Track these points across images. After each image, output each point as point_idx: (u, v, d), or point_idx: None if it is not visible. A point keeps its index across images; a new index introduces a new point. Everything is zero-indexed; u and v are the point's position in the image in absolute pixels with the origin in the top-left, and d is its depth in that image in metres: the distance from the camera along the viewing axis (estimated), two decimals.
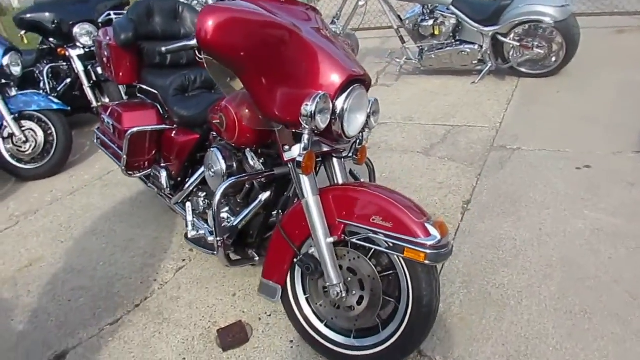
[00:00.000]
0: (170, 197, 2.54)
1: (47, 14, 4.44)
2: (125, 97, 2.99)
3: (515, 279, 2.10)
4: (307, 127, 1.52)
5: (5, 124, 3.76)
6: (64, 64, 4.72)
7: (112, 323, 2.20)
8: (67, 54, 4.54)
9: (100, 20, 4.20)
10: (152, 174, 2.62)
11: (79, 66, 4.50)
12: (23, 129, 3.83)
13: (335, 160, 1.83)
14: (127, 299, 2.35)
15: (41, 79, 4.68)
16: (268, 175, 1.89)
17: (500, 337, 1.84)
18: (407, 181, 3.03)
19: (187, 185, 2.40)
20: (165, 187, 2.49)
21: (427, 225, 1.53)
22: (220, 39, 1.41)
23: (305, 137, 1.56)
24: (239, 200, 2.11)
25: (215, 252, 1.90)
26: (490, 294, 2.04)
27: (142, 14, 2.62)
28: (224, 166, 1.99)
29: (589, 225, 2.39)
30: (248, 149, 1.98)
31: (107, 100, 4.54)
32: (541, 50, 4.34)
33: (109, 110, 2.67)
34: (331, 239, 1.64)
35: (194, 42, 1.50)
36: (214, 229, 1.84)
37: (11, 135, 3.80)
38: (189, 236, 2.00)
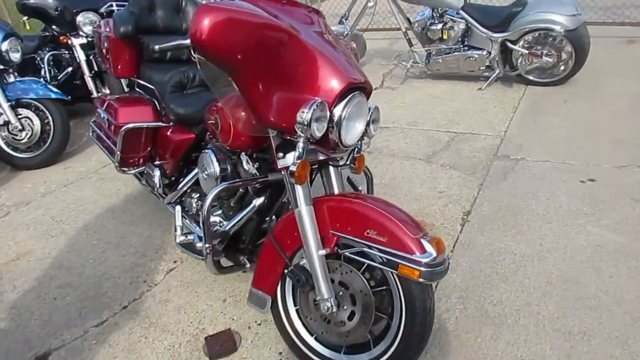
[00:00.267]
0: (164, 196, 2.48)
1: (50, 1, 4.37)
2: (126, 90, 2.93)
3: (514, 296, 2.04)
4: (302, 135, 1.46)
5: (1, 110, 3.70)
6: (66, 52, 4.66)
7: (97, 325, 2.15)
8: (69, 42, 4.48)
9: (101, 11, 4.13)
10: (145, 171, 2.56)
11: (80, 55, 4.44)
12: (20, 117, 3.78)
13: (332, 168, 1.77)
14: (115, 300, 2.29)
15: (42, 66, 4.62)
16: (262, 181, 1.83)
17: (495, 357, 1.78)
18: (407, 189, 2.96)
19: (180, 185, 2.34)
20: (158, 185, 2.43)
21: (423, 241, 1.46)
22: (215, 39, 1.34)
23: (300, 145, 1.50)
24: (232, 205, 2.05)
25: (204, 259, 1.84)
26: (487, 311, 1.98)
27: (143, 7, 2.56)
28: (217, 169, 1.93)
29: (591, 241, 2.32)
30: (243, 153, 1.91)
31: (107, 91, 4.47)
32: (550, 59, 4.26)
33: (105, 104, 2.61)
34: (323, 251, 1.58)
35: (189, 41, 1.43)
36: (203, 234, 1.77)
37: (7, 123, 3.75)
38: (177, 241, 1.94)
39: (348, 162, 1.82)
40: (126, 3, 3.97)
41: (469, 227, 2.53)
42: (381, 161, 3.36)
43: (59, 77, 4.67)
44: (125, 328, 2.11)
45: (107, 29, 2.56)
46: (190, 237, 1.94)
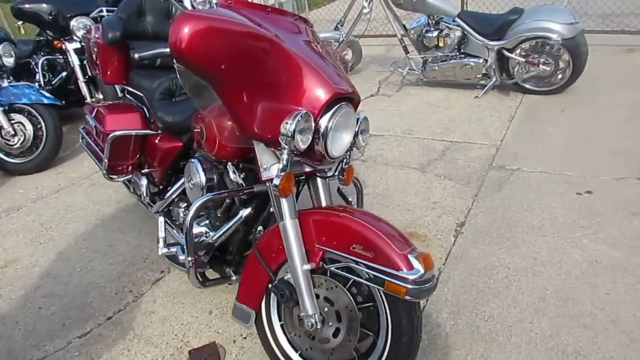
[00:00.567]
0: (152, 204, 2.44)
1: (44, 5, 4.35)
2: (120, 95, 2.89)
3: (506, 312, 1.99)
4: (286, 147, 1.42)
5: None
6: (60, 56, 4.65)
7: (81, 336, 2.10)
8: (63, 47, 4.45)
9: (91, 16, 4.11)
10: (132, 179, 2.52)
11: (74, 60, 4.41)
12: (12, 121, 3.76)
13: (319, 180, 1.73)
14: (100, 310, 2.24)
15: (37, 70, 4.60)
16: (248, 192, 1.79)
17: None
18: (401, 199, 2.92)
19: (168, 194, 2.30)
20: (145, 194, 2.39)
21: (410, 257, 1.42)
22: (195, 48, 1.30)
23: (284, 157, 1.45)
24: (218, 215, 2.01)
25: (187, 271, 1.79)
26: (479, 327, 1.93)
27: (132, 13, 2.53)
28: (203, 179, 1.89)
29: (587, 256, 2.27)
30: (229, 163, 1.87)
31: (101, 96, 4.44)
32: (547, 67, 4.22)
33: (94, 111, 2.57)
34: (308, 266, 1.54)
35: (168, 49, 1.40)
36: (185, 247, 1.73)
37: (0, 128, 3.72)
38: (159, 253, 1.89)
39: (336, 174, 1.78)
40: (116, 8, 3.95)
41: (462, 239, 2.48)
42: (375, 170, 3.32)
43: (53, 82, 4.64)
44: (108, 340, 2.07)
45: (96, 35, 2.53)
46: (173, 249, 1.89)
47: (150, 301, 2.27)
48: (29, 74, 4.66)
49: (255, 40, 1.40)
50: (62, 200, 3.36)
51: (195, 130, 1.85)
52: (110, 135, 2.32)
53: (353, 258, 1.47)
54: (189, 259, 1.72)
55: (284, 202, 1.54)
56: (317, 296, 1.59)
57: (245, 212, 1.89)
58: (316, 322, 1.55)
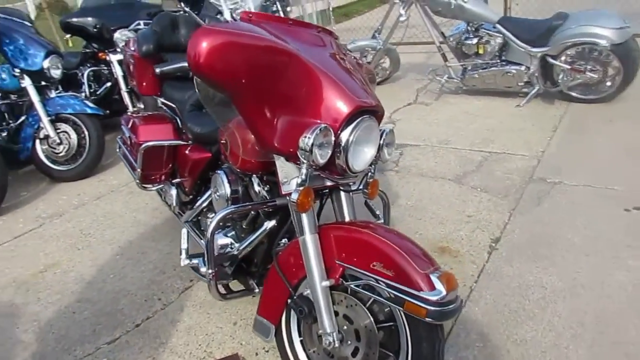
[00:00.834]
0: (182, 214, 2.47)
1: (90, 19, 4.53)
2: (159, 105, 2.96)
3: (540, 336, 1.88)
4: (304, 161, 1.40)
5: (42, 125, 3.84)
6: (105, 68, 4.82)
7: (109, 342, 2.14)
8: (107, 58, 4.61)
9: (130, 29, 4.24)
10: (163, 189, 2.56)
11: (118, 71, 4.54)
12: (58, 131, 3.91)
13: (343, 194, 1.70)
14: (129, 317, 2.28)
15: (83, 81, 4.78)
16: (270, 205, 1.77)
17: None
18: (434, 211, 2.84)
19: (197, 204, 2.32)
20: (174, 204, 2.43)
21: (432, 277, 1.36)
22: (213, 63, 1.30)
23: (303, 171, 1.43)
24: (244, 227, 2.00)
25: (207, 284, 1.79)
26: (509, 351, 1.83)
27: (166, 26, 2.58)
28: (228, 190, 1.89)
29: (633, 278, 2.13)
30: (254, 175, 1.87)
31: (142, 106, 4.56)
32: (595, 75, 4.03)
33: (129, 122, 2.63)
34: (327, 282, 1.50)
35: None
36: (206, 259, 1.73)
37: (47, 137, 3.88)
38: (182, 264, 1.91)
39: (361, 187, 1.75)
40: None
41: (496, 256, 2.38)
42: (409, 181, 3.25)
43: (98, 92, 4.82)
44: (135, 347, 2.09)
45: (132, 48, 2.60)
46: (195, 260, 1.90)
47: (177, 310, 2.29)
48: (77, 84, 4.86)
49: (274, 54, 1.39)
50: (101, 207, 3.47)
51: (221, 142, 1.86)
52: (143, 145, 2.37)
53: (373, 276, 1.42)
54: (210, 271, 1.72)
55: (303, 217, 1.51)
56: (337, 313, 1.56)
57: (269, 224, 1.87)
58: (334, 341, 1.51)
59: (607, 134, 3.58)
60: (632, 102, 4.05)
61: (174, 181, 2.50)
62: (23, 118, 3.98)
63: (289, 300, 1.63)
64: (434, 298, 1.32)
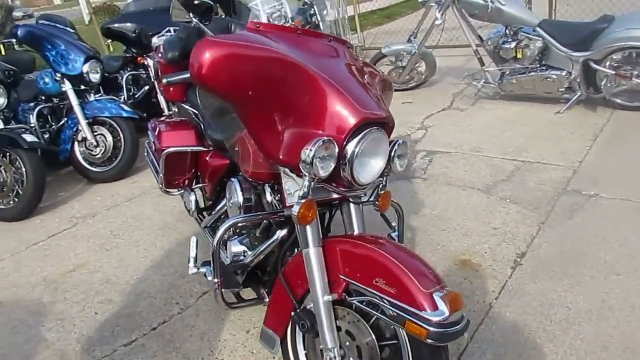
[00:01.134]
0: (202, 219, 2.50)
1: (129, 24, 4.68)
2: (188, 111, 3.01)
3: None
4: (306, 174, 1.38)
5: (80, 128, 3.99)
6: (144, 72, 4.96)
7: (126, 344, 2.19)
8: (145, 62, 4.75)
9: (159, 35, 4.33)
10: (184, 194, 2.60)
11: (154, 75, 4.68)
12: (95, 133, 4.06)
13: (352, 206, 1.66)
14: (147, 320, 2.33)
15: (122, 85, 4.94)
16: (279, 216, 1.76)
17: None
18: (458, 222, 2.75)
19: (215, 210, 2.34)
20: (193, 209, 2.46)
21: (435, 296, 1.31)
22: (214, 75, 1.30)
23: (305, 184, 1.41)
24: (257, 235, 2.00)
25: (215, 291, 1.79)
26: None
27: (192, 33, 2.60)
28: (240, 199, 1.89)
29: None
30: (266, 185, 1.86)
31: (176, 109, 4.67)
32: None
33: (154, 127, 2.69)
34: (329, 297, 1.47)
35: None
36: (213, 268, 1.74)
37: (84, 139, 4.03)
38: (189, 272, 1.92)
39: (372, 199, 1.71)
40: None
41: (520, 272, 2.28)
42: (435, 190, 3.17)
43: (136, 96, 4.96)
44: (149, 351, 2.13)
45: (159, 54, 2.65)
46: (203, 269, 1.91)
47: (193, 315, 2.32)
48: (118, 87, 5.02)
49: (277, 65, 1.38)
50: (132, 208, 3.56)
51: (235, 150, 1.86)
52: (165, 151, 2.41)
53: (375, 292, 1.38)
54: (215, 280, 1.72)
55: (307, 229, 1.49)
56: (340, 329, 1.53)
57: (281, 233, 1.85)
58: (336, 356, 1.48)
59: None
60: None
61: (193, 187, 2.53)
62: (63, 121, 4.15)
63: (292, 313, 1.61)
64: (436, 319, 1.27)
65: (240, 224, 1.90)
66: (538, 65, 4.29)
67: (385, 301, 1.36)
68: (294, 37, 1.52)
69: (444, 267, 2.38)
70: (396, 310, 1.33)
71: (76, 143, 4.07)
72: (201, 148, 2.45)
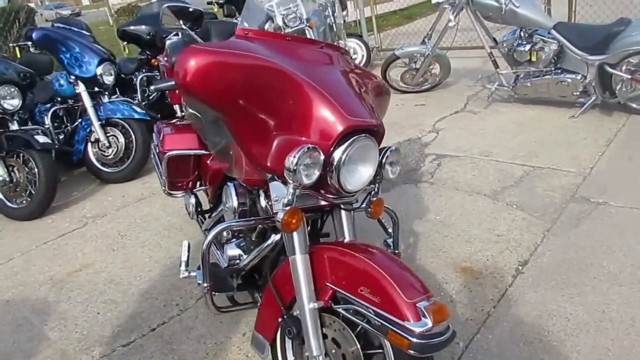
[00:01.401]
0: (203, 221, 2.52)
1: (144, 27, 4.75)
2: None
3: None
4: (290, 181, 1.38)
5: (93, 129, 4.07)
6: (158, 74, 5.01)
7: (125, 345, 2.22)
8: (159, 64, 4.80)
9: (169, 37, 4.38)
10: (185, 197, 2.62)
11: None
12: (108, 134, 4.13)
13: (343, 212, 1.65)
14: (147, 321, 2.35)
15: (137, 86, 5.02)
16: (267, 222, 1.76)
17: None
18: (462, 228, 2.71)
19: (215, 213, 2.35)
20: (192, 212, 2.48)
21: (419, 306, 1.29)
22: (199, 83, 1.31)
23: (290, 191, 1.41)
24: (253, 239, 2.01)
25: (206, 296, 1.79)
26: None
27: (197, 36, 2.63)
28: (235, 203, 1.90)
29: None
30: (261, 190, 1.86)
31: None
32: None
33: (158, 130, 2.72)
34: (315, 304, 1.47)
35: None
36: (202, 272, 1.75)
37: (97, 140, 4.11)
38: (180, 276, 1.93)
39: (363, 206, 1.69)
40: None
41: (521, 280, 2.23)
42: (441, 194, 3.13)
43: (150, 97, 5.02)
44: (147, 352, 2.15)
45: (165, 58, 2.68)
46: (194, 273, 1.92)
47: (192, 317, 2.34)
48: (133, 89, 5.10)
49: (264, 72, 1.38)
50: (140, 209, 3.61)
51: (225, 156, 1.87)
52: (166, 154, 2.44)
53: (359, 301, 1.38)
54: (204, 285, 1.73)
55: (294, 236, 1.49)
56: (326, 336, 1.52)
57: (275, 238, 1.85)
58: None
59: None
60: None
61: (196, 189, 2.55)
62: (77, 122, 4.23)
63: (279, 319, 1.61)
64: (419, 329, 1.26)
65: (234, 229, 1.91)
66: (553, 69, 4.21)
67: (370, 310, 1.35)
68: (284, 43, 1.53)
69: (444, 274, 2.35)
70: (380, 320, 1.32)
71: (89, 144, 4.15)
72: (203, 151, 2.47)
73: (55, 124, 4.27)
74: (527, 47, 4.27)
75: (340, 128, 1.39)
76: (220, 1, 5.17)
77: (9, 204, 3.68)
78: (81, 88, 4.02)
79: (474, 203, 2.98)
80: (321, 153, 1.38)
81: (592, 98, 4.02)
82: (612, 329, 1.88)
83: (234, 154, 1.74)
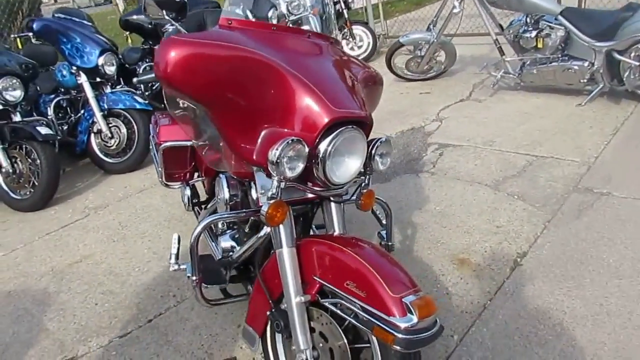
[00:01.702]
0: (198, 213, 2.52)
1: (145, 16, 4.71)
2: None
3: None
4: (274, 174, 1.36)
5: (95, 119, 4.08)
6: None
7: (121, 336, 2.23)
8: None
9: (165, 29, 4.35)
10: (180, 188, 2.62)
11: None
12: (110, 125, 4.13)
13: (333, 205, 1.63)
14: (144, 312, 2.36)
15: None
16: (254, 215, 1.74)
17: None
18: (462, 219, 2.68)
19: (210, 204, 2.35)
20: (186, 204, 2.48)
21: (405, 301, 1.28)
22: (178, 75, 1.29)
23: (274, 184, 1.39)
24: (246, 231, 2.00)
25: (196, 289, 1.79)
26: None
27: (192, 28, 2.60)
28: (227, 195, 1.88)
29: None
30: (252, 181, 1.85)
31: None
32: None
33: (156, 122, 2.70)
34: (301, 298, 1.46)
35: None
36: (191, 265, 1.74)
37: (100, 131, 4.11)
38: (170, 269, 1.93)
39: (354, 198, 1.67)
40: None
41: (519, 273, 2.20)
42: (442, 185, 3.09)
43: (154, 87, 5.01)
44: (143, 343, 2.17)
45: None
46: (183, 266, 1.91)
47: (188, 308, 2.34)
48: None
49: (246, 63, 1.35)
50: (141, 200, 3.62)
51: (212, 149, 1.85)
52: (162, 145, 2.43)
53: (346, 295, 1.37)
54: (194, 277, 1.72)
55: (280, 229, 1.48)
56: (313, 330, 1.51)
57: (267, 229, 1.83)
58: (307, 358, 1.46)
59: None
60: None
61: (192, 181, 2.54)
62: (80, 113, 4.24)
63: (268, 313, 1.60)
64: (404, 325, 1.25)
65: (227, 221, 1.90)
66: (560, 56, 4.13)
67: (357, 305, 1.34)
68: (269, 33, 1.50)
69: (441, 265, 2.33)
70: (365, 315, 1.31)
71: (92, 135, 4.16)
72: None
73: (59, 115, 4.29)
74: (534, 33, 4.18)
75: (325, 120, 1.36)
76: None
77: (12, 195, 3.71)
78: (83, 79, 4.02)
79: (474, 193, 2.94)
80: (305, 145, 1.35)
81: (599, 86, 3.94)
82: (610, 323, 1.85)
83: (220, 147, 1.72)
